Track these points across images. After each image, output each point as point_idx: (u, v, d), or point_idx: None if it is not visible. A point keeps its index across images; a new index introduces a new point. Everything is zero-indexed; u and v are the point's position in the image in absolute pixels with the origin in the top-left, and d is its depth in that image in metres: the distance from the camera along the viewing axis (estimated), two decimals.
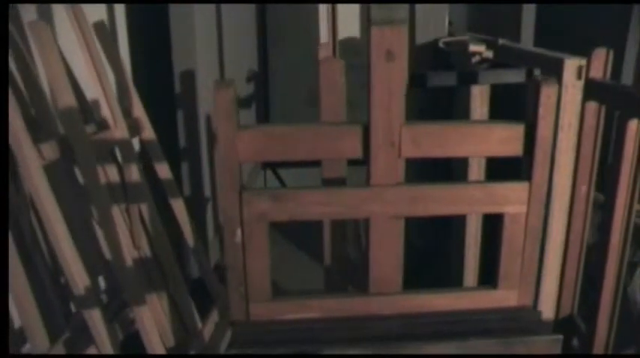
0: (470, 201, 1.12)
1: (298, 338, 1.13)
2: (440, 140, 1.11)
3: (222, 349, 1.83)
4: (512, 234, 1.15)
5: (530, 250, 1.16)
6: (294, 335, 1.14)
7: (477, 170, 2.07)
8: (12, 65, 1.61)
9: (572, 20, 3.15)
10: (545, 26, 3.12)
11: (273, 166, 3.87)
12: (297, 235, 3.04)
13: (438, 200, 1.12)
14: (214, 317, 1.92)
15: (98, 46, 1.74)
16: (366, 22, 1.03)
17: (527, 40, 3.16)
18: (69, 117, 1.57)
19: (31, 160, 1.53)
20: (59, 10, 1.89)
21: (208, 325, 1.88)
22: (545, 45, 1.97)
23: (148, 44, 2.64)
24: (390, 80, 1.05)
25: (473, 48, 2.15)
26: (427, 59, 2.48)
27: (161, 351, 1.67)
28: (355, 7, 4.08)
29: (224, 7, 2.93)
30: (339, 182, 1.38)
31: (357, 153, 1.10)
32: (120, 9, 2.47)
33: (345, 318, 1.17)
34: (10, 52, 1.61)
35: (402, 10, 1.02)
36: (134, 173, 1.74)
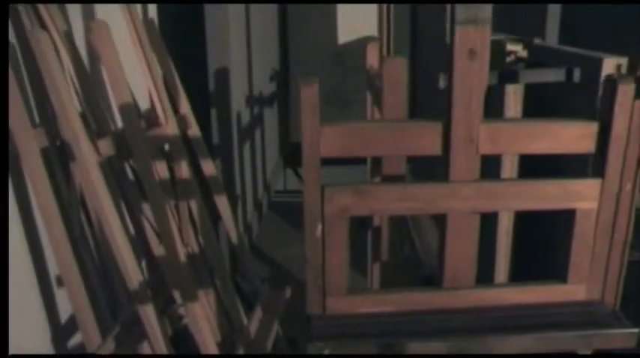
0: (544, 197, 1.15)
1: (374, 332, 1.15)
2: (516, 137, 1.13)
3: (269, 345, 1.84)
4: (583, 230, 1.17)
5: (601, 245, 1.19)
6: (370, 328, 1.16)
7: (509, 167, 2.10)
8: (68, 62, 1.63)
9: (597, 18, 3.17)
10: (568, 25, 3.15)
11: (293, 165, 3.90)
12: None
13: (514, 196, 1.14)
14: (258, 313, 1.93)
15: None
16: (450, 22, 1.05)
17: (551, 40, 3.19)
18: (127, 114, 1.59)
19: (89, 156, 1.55)
20: (103, 10, 1.90)
21: (253, 321, 1.90)
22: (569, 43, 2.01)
23: (179, 42, 2.66)
24: (472, 78, 1.07)
25: (510, 47, 2.18)
26: None
27: (213, 347, 1.68)
28: (373, 7, 4.11)
29: (252, 6, 2.95)
30: (398, 178, 1.41)
31: (436, 149, 1.12)
32: (152, 8, 2.49)
33: (419, 312, 1.19)
34: (66, 49, 1.62)
35: (487, 9, 1.04)
36: (184, 170, 1.76)
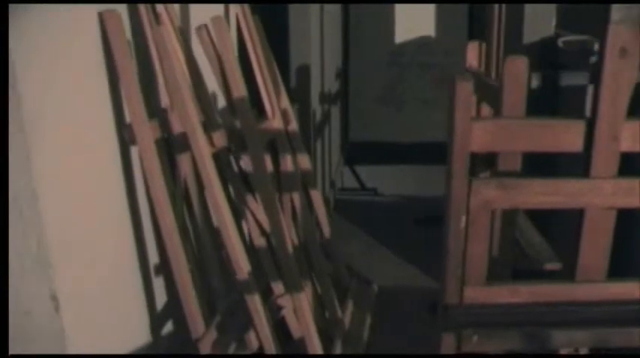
0: None
1: (514, 321, 1.18)
2: None
3: (365, 337, 1.88)
4: None
5: None
6: (509, 318, 1.19)
7: None
8: (182, 58, 1.68)
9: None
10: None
11: (351, 164, 3.94)
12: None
13: None
14: (350, 306, 1.98)
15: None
16: (604, 21, 1.09)
17: None
18: (242, 108, 1.64)
19: (204, 148, 1.60)
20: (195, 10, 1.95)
21: (346, 314, 1.94)
22: None
23: None
24: (621, 76, 1.10)
25: (597, 47, 2.19)
26: (534, 58, 2.52)
27: (316, 339, 1.72)
28: (430, 7, 4.14)
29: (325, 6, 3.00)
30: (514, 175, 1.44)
31: (577, 146, 1.15)
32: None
33: (552, 303, 1.22)
34: (181, 46, 1.68)
35: None
36: (289, 163, 1.81)
